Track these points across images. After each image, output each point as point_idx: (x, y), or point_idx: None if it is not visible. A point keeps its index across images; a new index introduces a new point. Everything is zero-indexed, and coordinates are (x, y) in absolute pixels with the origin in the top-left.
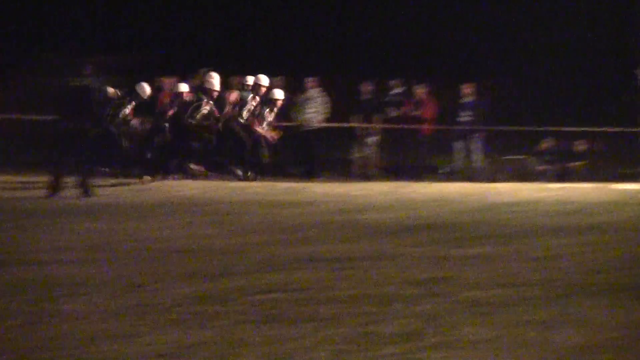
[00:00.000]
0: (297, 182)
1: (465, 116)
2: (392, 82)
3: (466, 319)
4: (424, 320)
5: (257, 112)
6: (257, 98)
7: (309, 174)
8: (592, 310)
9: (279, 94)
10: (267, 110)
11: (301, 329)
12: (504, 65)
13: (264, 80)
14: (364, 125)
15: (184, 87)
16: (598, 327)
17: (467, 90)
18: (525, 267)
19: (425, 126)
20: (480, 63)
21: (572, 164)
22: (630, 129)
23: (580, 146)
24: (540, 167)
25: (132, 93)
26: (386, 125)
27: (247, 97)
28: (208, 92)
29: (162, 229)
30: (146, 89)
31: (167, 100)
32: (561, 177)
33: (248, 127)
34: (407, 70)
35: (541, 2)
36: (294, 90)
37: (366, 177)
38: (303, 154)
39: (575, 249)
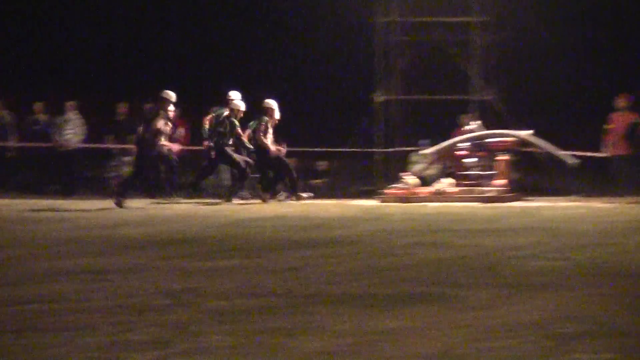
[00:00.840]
0: (56, 199)
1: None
2: (148, 105)
3: (212, 327)
4: (173, 328)
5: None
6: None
7: (67, 192)
8: (329, 317)
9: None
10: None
11: (58, 338)
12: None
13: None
14: (120, 146)
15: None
16: (335, 334)
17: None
18: (268, 278)
19: (177, 146)
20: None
21: (314, 181)
22: (367, 149)
23: (322, 165)
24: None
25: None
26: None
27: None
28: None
29: None
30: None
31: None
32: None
33: None
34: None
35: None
36: (54, 113)
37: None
38: (61, 172)
39: (314, 261)
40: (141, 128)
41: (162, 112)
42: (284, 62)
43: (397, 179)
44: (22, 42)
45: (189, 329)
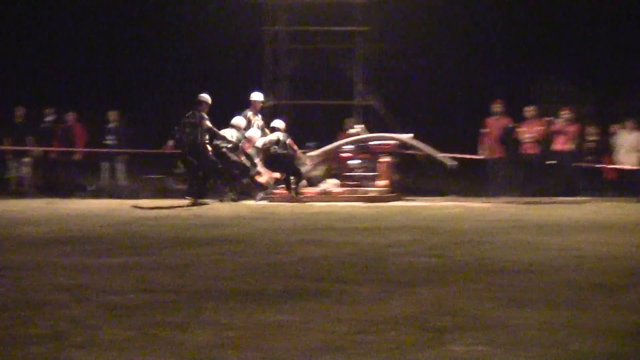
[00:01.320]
0: None
1: (110, 140)
2: (47, 110)
3: (106, 321)
4: (69, 322)
5: None
6: None
7: None
8: (219, 312)
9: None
10: None
11: None
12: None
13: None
14: (18, 148)
15: None
16: (224, 327)
17: (112, 117)
18: (161, 275)
19: (75, 148)
20: (124, 93)
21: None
22: None
23: None
24: (178, 186)
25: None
26: (42, 148)
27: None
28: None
29: None
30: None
31: None
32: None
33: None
34: (59, 98)
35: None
36: None
37: (22, 194)
38: None
39: (205, 258)
40: (188, 134)
41: (204, 115)
42: (177, 67)
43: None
44: None
45: (85, 323)
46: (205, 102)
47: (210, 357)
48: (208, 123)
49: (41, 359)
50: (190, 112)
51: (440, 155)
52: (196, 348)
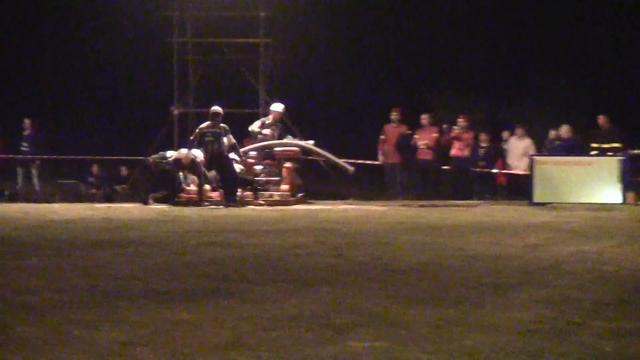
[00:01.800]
0: None
1: (25, 147)
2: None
3: (20, 320)
4: None
5: None
6: None
7: None
8: (130, 310)
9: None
10: None
11: None
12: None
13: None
14: None
15: None
16: (134, 325)
17: (27, 125)
18: (74, 276)
19: None
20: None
21: (118, 187)
22: None
23: (123, 171)
24: (91, 191)
25: None
26: None
27: None
28: None
29: None
30: None
31: None
32: (109, 198)
33: None
34: None
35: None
36: None
37: None
38: None
39: (117, 260)
40: (212, 144)
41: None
42: (89, 78)
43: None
44: None
45: (0, 322)
46: (221, 114)
47: (121, 354)
48: (232, 137)
49: None
50: (209, 123)
51: (340, 161)
52: (108, 345)
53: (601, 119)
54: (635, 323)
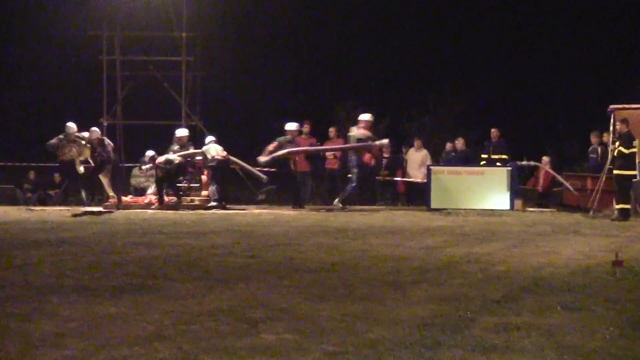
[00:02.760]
0: None
1: None
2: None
3: None
4: None
5: None
6: None
7: None
8: (61, 305)
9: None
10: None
11: None
12: None
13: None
14: None
15: None
16: (65, 318)
17: None
18: (9, 272)
19: None
20: None
21: (50, 191)
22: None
23: (57, 177)
24: (27, 195)
25: None
26: None
27: None
28: None
29: None
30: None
31: None
32: (42, 201)
33: None
34: None
35: None
36: None
37: None
38: None
39: (50, 258)
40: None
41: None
42: (30, 97)
43: (121, 189)
44: None
45: None
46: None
47: (53, 345)
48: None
49: None
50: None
51: (255, 170)
52: (41, 337)
53: (494, 132)
54: (522, 318)
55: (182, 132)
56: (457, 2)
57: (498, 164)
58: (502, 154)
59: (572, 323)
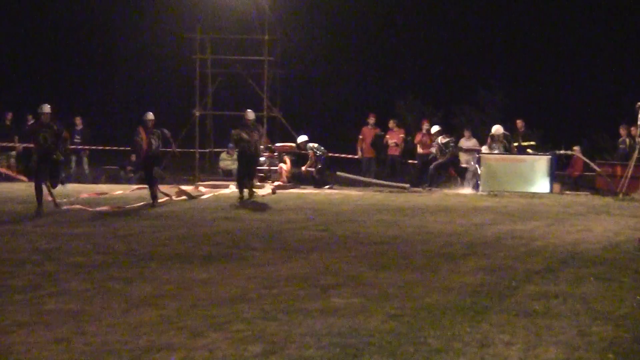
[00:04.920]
0: None
1: (77, 139)
2: (30, 116)
3: (73, 276)
4: (43, 277)
5: None
6: None
7: None
8: (159, 270)
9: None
10: None
11: None
12: None
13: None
14: (7, 144)
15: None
16: (162, 282)
17: (79, 122)
18: (114, 242)
19: None
20: (89, 103)
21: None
22: (188, 150)
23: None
24: (129, 175)
25: None
26: (24, 144)
27: None
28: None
29: None
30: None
31: None
32: (142, 180)
33: None
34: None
35: None
36: None
37: (9, 179)
38: None
39: (149, 229)
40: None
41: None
42: (132, 92)
43: (211, 172)
44: None
45: (56, 277)
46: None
47: (152, 304)
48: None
49: (21, 305)
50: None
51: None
52: (141, 297)
53: (519, 123)
54: (559, 287)
55: (251, 115)
56: (499, 15)
57: (529, 151)
58: (530, 141)
59: (604, 292)
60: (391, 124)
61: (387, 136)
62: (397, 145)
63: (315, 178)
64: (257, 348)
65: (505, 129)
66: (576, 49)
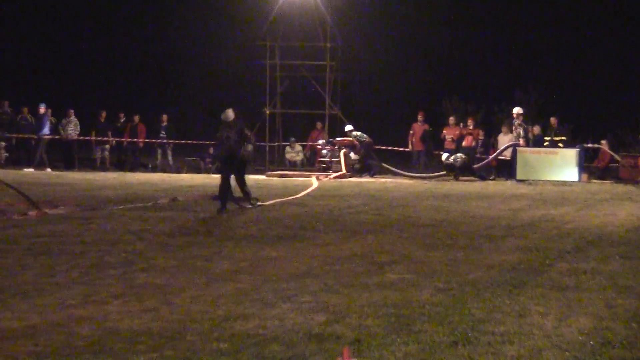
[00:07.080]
0: (60, 171)
1: (163, 134)
2: (121, 114)
3: (160, 254)
4: (135, 254)
5: None
6: None
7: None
8: (234, 249)
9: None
10: None
11: (59, 260)
12: None
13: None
14: (101, 138)
15: None
16: (238, 259)
17: (164, 119)
18: (194, 224)
19: (139, 139)
20: (174, 101)
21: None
22: (260, 143)
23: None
24: (208, 166)
25: None
26: (117, 139)
27: None
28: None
29: None
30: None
31: None
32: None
33: None
34: (127, 105)
35: None
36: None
37: (103, 169)
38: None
39: (226, 213)
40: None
41: None
42: (210, 92)
43: (279, 163)
44: None
45: (146, 255)
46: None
47: (229, 279)
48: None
49: (116, 280)
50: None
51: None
52: (219, 273)
53: (553, 120)
54: (588, 265)
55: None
56: (532, 23)
57: (560, 145)
58: (562, 136)
59: (628, 269)
60: (451, 120)
61: (445, 131)
62: (453, 140)
63: (354, 168)
64: (321, 317)
65: (540, 125)
66: (606, 55)
